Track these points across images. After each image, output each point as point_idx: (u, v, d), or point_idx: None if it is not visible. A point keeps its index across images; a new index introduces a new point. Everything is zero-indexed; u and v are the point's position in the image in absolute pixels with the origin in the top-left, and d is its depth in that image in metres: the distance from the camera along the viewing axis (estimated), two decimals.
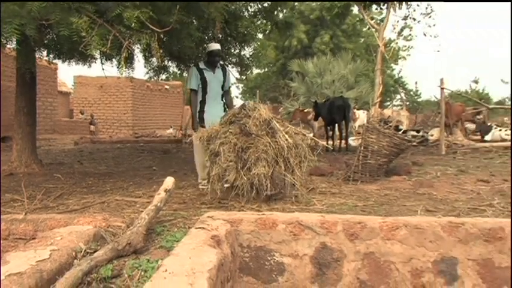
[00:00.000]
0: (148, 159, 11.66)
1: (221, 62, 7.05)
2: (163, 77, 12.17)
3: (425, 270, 3.70)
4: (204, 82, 6.69)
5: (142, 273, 3.35)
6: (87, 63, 9.73)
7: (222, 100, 6.96)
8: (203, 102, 6.78)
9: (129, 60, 8.58)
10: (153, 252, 3.71)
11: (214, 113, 6.60)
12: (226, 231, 3.52)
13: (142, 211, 4.38)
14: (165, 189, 4.70)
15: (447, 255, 3.69)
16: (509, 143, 13.97)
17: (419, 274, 3.70)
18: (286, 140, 5.44)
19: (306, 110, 18.69)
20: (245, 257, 3.71)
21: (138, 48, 8.12)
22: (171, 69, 11.67)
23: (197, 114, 6.79)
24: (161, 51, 6.27)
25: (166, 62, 10.51)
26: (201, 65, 6.82)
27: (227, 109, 6.81)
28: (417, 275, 3.70)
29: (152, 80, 11.68)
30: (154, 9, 5.51)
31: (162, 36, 6.37)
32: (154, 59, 9.62)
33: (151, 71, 10.62)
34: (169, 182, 4.86)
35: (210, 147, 5.64)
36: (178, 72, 12.65)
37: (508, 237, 3.67)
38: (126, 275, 3.18)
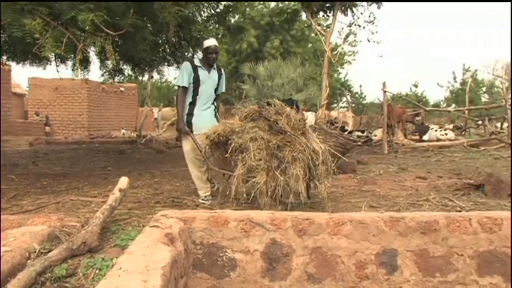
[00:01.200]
0: (104, 159, 11.44)
1: (217, 63, 6.10)
2: (118, 79, 11.95)
3: (369, 262, 3.79)
4: (196, 81, 5.76)
5: (97, 271, 3.30)
6: (42, 65, 9.46)
7: (214, 104, 6.07)
8: (193, 104, 5.82)
9: (84, 63, 8.40)
10: (107, 251, 3.65)
11: (203, 118, 5.79)
12: (180, 229, 3.49)
13: (97, 210, 4.32)
14: (120, 189, 4.63)
15: (388, 247, 3.79)
16: (444, 143, 14.46)
17: (363, 266, 3.78)
18: (318, 144, 4.96)
19: None
20: (198, 253, 3.70)
21: (93, 50, 7.95)
22: (126, 72, 11.49)
23: (185, 116, 5.83)
24: (116, 54, 6.15)
25: (121, 65, 10.35)
26: (196, 62, 5.89)
27: (218, 115, 6.07)
28: (361, 267, 3.77)
29: (107, 82, 11.48)
30: (109, 13, 5.43)
31: (116, 39, 6.26)
32: (109, 62, 9.44)
33: (107, 73, 10.43)
34: (123, 181, 4.80)
35: (236, 142, 4.91)
36: (133, 75, 12.47)
37: (442, 229, 3.81)
38: (80, 274, 3.12)
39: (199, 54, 9.75)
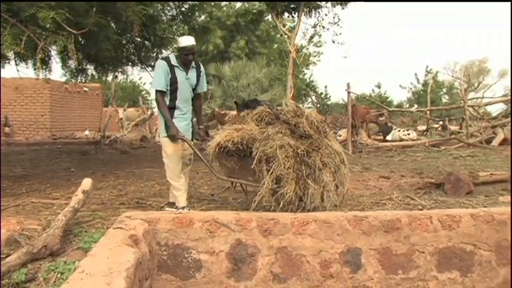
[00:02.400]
0: (67, 160, 11.19)
1: (196, 61, 5.36)
2: (82, 79, 11.69)
3: (333, 261, 3.83)
4: (174, 84, 5.08)
5: (59, 275, 3.23)
6: (1, 64, 9.17)
7: (190, 111, 5.44)
8: (172, 109, 5.13)
9: (45, 62, 8.20)
10: (70, 254, 3.58)
11: (182, 124, 5.19)
12: (144, 230, 3.45)
13: (59, 213, 4.22)
14: (83, 191, 4.55)
15: (352, 246, 3.84)
16: (406, 143, 14.72)
17: (328, 265, 3.82)
18: (337, 143, 4.66)
19: (223, 112, 18.76)
20: (163, 255, 3.67)
21: (54, 49, 7.75)
22: (89, 72, 11.25)
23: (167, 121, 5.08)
24: (78, 53, 6.02)
25: (84, 65, 10.14)
26: (173, 61, 5.12)
27: (194, 126, 5.46)
28: (326, 266, 3.81)
29: (70, 82, 11.23)
30: (71, 11, 5.29)
31: (79, 38, 6.13)
32: (71, 61, 9.22)
33: (69, 73, 10.19)
34: (87, 183, 4.72)
35: (261, 151, 4.36)
36: (97, 74, 12.25)
37: (404, 227, 3.88)
38: (41, 278, 3.05)
39: (165, 54, 9.60)
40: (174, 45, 8.55)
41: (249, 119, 4.83)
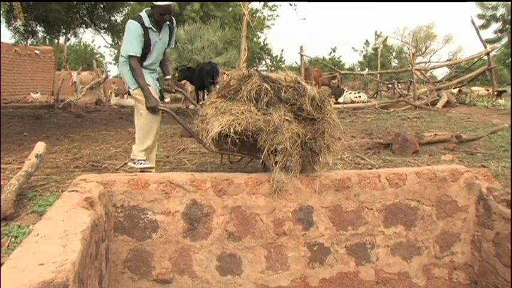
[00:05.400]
0: (19, 125, 10.82)
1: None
2: (33, 41, 11.20)
3: (286, 220, 3.90)
4: (147, 47, 4.59)
5: (13, 239, 3.18)
6: None
7: (157, 69, 5.04)
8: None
9: None
10: (24, 218, 3.52)
11: (150, 76, 4.76)
12: (100, 192, 3.40)
13: (12, 177, 4.10)
14: (36, 154, 4.44)
15: (304, 204, 3.91)
16: (357, 105, 14.94)
17: (281, 223, 3.89)
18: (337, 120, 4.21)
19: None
20: (119, 216, 3.64)
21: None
22: (40, 34, 10.79)
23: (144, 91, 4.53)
24: (26, 14, 5.73)
25: (34, 26, 9.70)
26: (146, 22, 4.55)
27: (160, 81, 4.99)
28: (279, 224, 3.88)
29: (20, 44, 10.76)
30: None
31: None
32: (18, 22, 8.77)
33: (18, 34, 9.75)
34: (40, 146, 4.60)
35: (270, 144, 3.86)
36: (48, 37, 11.77)
37: (354, 186, 3.98)
38: None
39: (116, 17, 9.29)
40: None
41: (244, 95, 4.06)
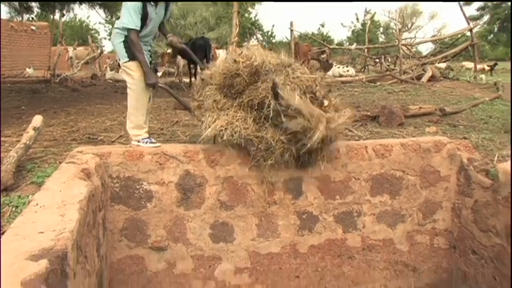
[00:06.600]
0: (17, 99, 10.68)
1: None
2: (29, 17, 10.98)
3: (276, 189, 3.92)
4: (143, 20, 4.28)
5: (13, 209, 3.16)
6: None
7: (151, 45, 4.71)
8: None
9: None
10: (23, 189, 3.50)
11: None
12: (96, 164, 3.40)
13: (11, 150, 4.07)
14: (34, 127, 4.39)
15: (294, 175, 3.92)
16: (345, 78, 14.88)
17: (272, 192, 3.91)
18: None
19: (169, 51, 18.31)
20: (115, 187, 3.64)
21: None
22: (35, 10, 10.59)
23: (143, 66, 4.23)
24: None
25: (29, 2, 9.51)
26: None
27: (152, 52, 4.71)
28: (270, 193, 3.90)
29: (15, 19, 10.56)
30: None
31: None
32: None
33: (13, 10, 9.55)
34: (37, 120, 4.54)
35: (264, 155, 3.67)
36: (44, 13, 11.54)
37: (342, 157, 3.99)
38: None
39: None
40: None
41: (245, 102, 3.74)
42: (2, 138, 5.34)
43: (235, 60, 3.87)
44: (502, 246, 3.57)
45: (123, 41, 4.22)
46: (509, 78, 13.28)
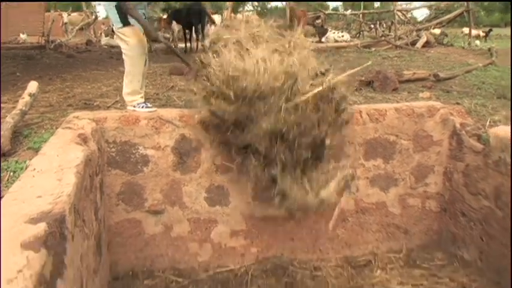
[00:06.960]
0: (11, 65, 10.52)
1: None
2: None
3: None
4: None
5: (11, 174, 3.17)
6: None
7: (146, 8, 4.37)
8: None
9: None
10: (21, 154, 3.49)
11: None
12: (92, 129, 3.38)
13: (7, 116, 4.04)
14: (29, 93, 4.36)
15: None
16: (340, 44, 14.74)
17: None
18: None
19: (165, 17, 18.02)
20: (112, 151, 3.63)
21: None
22: None
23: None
24: None
25: None
26: None
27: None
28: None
29: None
30: None
31: None
32: None
33: None
34: (33, 86, 4.51)
35: None
36: None
37: None
38: None
39: None
40: None
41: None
42: None
43: None
44: (490, 209, 3.61)
45: (116, 6, 3.94)
46: (504, 44, 13.20)
